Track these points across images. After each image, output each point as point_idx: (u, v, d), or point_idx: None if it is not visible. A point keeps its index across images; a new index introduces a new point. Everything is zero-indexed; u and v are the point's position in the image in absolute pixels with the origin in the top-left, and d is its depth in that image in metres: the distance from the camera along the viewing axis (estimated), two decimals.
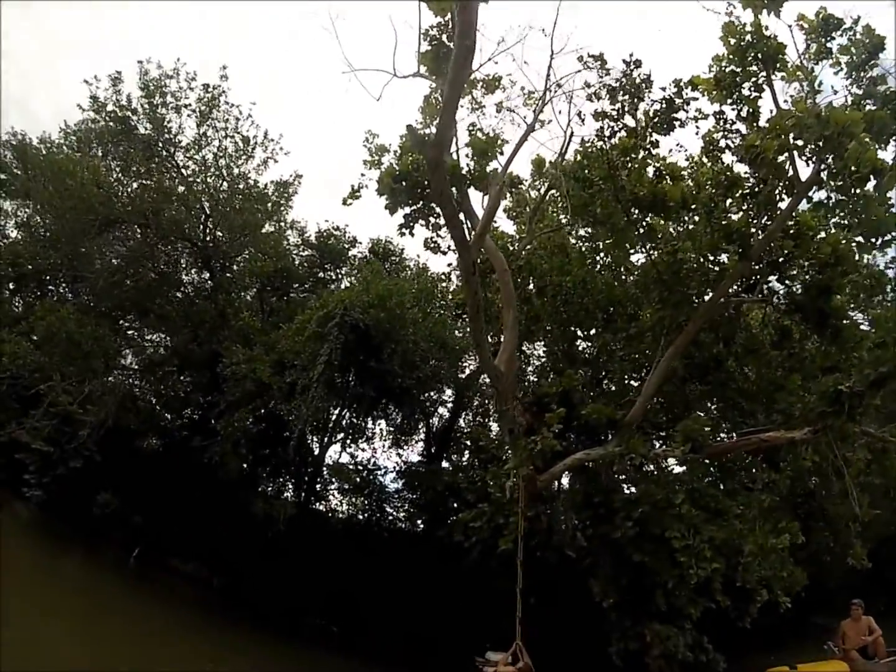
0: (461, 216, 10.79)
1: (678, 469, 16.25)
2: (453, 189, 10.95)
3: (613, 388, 17.59)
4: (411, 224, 11.87)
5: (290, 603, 16.82)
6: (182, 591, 17.34)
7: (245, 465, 18.44)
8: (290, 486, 20.88)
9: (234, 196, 20.80)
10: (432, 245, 13.69)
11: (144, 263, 20.44)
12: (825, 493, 15.19)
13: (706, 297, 12.98)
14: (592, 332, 16.21)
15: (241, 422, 16.54)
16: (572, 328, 16.22)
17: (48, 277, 23.00)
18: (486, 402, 20.25)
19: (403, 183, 11.41)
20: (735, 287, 13.59)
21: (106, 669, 9.52)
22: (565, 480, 17.57)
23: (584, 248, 16.29)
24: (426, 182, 11.53)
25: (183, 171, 20.66)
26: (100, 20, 57.26)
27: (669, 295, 12.28)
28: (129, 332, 22.18)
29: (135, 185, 20.76)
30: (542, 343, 18.43)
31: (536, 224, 14.71)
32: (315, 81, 71.22)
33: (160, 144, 20.17)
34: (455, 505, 17.55)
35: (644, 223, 12.58)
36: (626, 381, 17.12)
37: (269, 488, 20.53)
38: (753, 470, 14.35)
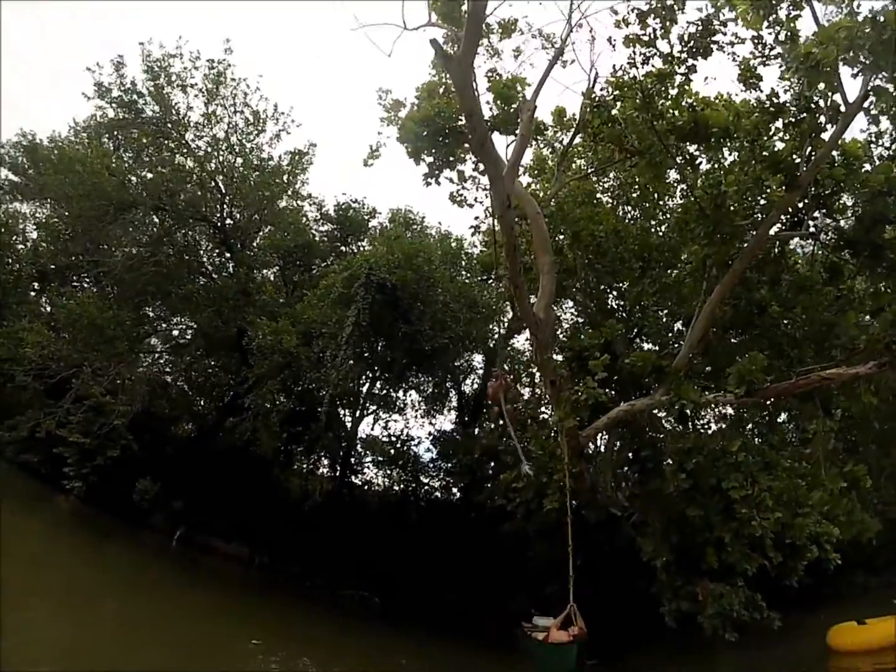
0: None
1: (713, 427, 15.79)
2: None
3: (649, 344, 17.04)
4: (437, 173, 11.24)
5: (330, 576, 16.77)
6: (225, 570, 17.30)
7: (279, 445, 18.30)
8: (325, 462, 20.85)
9: (249, 172, 20.38)
10: (458, 199, 13.09)
11: (162, 248, 20.19)
12: (871, 445, 14.57)
13: (751, 234, 12.23)
14: (627, 284, 15.52)
15: (271, 394, 16.26)
16: (607, 280, 15.55)
17: (69, 273, 22.96)
18: (517, 367, 19.80)
19: (425, 133, 10.80)
20: (780, 225, 12.87)
21: (154, 647, 9.44)
22: (602, 442, 17.19)
23: (613, 198, 15.62)
24: (447, 129, 10.96)
25: (195, 150, 20.29)
26: (98, 19, 56.97)
27: (715, 230, 11.54)
28: (153, 317, 22.07)
29: (147, 168, 20.47)
30: (573, 301, 17.87)
31: (563, 172, 13.98)
32: (322, 52, 70.23)
33: (169, 125, 19.79)
34: (491, 472, 17.30)
35: (683, 154, 11.83)
36: (665, 334, 16.52)
37: (305, 466, 20.49)
38: (812, 419, 13.58)
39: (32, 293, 24.70)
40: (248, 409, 17.05)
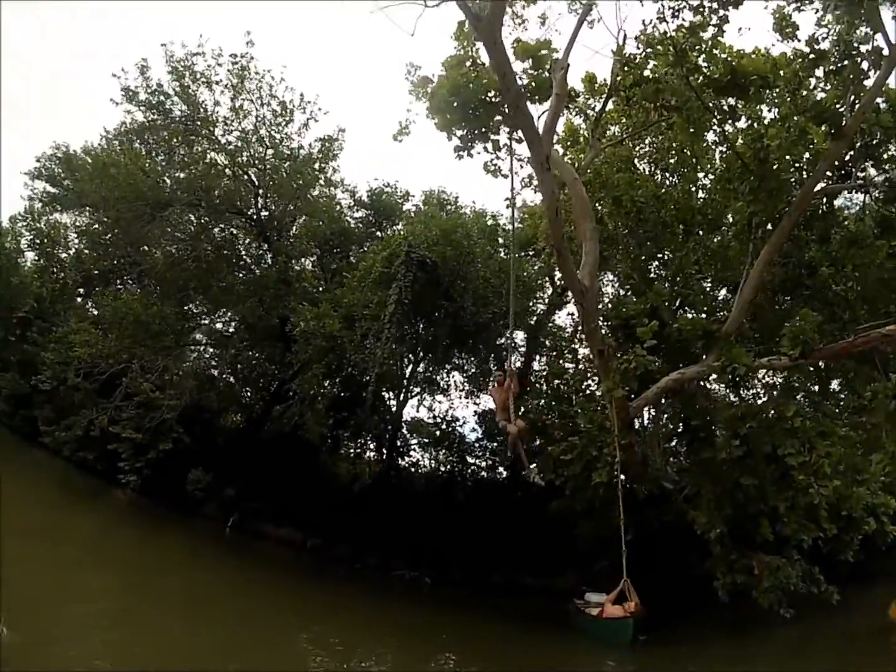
0: None
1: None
2: None
3: (693, 314, 16.61)
4: (469, 145, 11.05)
5: (381, 557, 16.97)
6: (278, 554, 17.63)
7: (326, 431, 18.58)
8: (372, 446, 21.12)
9: (281, 162, 20.50)
10: (492, 168, 12.85)
11: (201, 243, 20.52)
12: None
13: (797, 190, 11.72)
14: (670, 250, 15.06)
15: (316, 379, 16.41)
16: (649, 248, 15.11)
17: (112, 276, 23.62)
18: (560, 343, 19.58)
19: (455, 104, 10.62)
20: (827, 179, 12.32)
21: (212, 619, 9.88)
22: (650, 413, 16.89)
23: (650, 163, 15.19)
24: (478, 101, 10.77)
25: (226, 146, 20.48)
26: (98, 19, 57.50)
27: (760, 185, 11.08)
28: (197, 312, 22.58)
29: (180, 167, 20.77)
30: (614, 273, 17.51)
31: (598, 139, 13.60)
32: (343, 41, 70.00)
33: (198, 123, 19.97)
34: (537, 449, 17.15)
35: (721, 109, 11.37)
36: (709, 303, 16.06)
37: (352, 450, 20.78)
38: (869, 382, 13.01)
39: (79, 299, 25.64)
40: (294, 395, 17.30)
